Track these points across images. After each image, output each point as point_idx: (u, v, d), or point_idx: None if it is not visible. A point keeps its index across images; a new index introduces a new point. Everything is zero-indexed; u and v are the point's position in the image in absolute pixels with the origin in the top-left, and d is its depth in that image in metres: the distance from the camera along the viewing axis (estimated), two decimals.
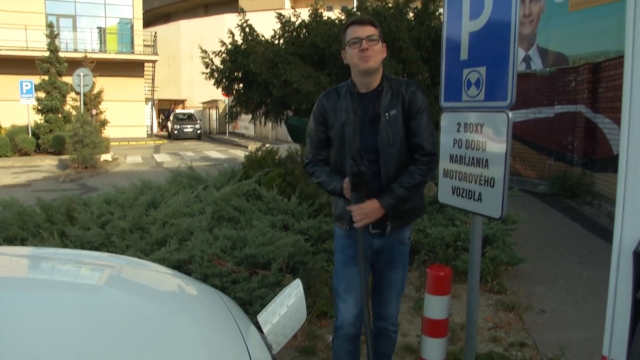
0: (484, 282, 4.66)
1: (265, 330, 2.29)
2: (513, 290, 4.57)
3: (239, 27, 7.37)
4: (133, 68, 27.52)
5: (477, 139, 2.76)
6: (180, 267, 3.55)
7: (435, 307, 2.26)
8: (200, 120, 33.72)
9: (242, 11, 7.55)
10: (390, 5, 6.97)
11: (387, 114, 2.36)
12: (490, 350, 3.44)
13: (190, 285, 2.34)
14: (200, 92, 35.22)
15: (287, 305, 2.27)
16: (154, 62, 29.09)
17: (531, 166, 10.72)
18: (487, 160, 2.70)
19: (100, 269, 2.29)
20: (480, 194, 2.75)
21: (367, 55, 2.29)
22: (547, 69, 10.76)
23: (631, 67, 1.11)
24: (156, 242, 3.93)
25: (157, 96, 34.52)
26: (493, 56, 2.63)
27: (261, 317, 2.38)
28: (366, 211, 2.31)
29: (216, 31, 35.18)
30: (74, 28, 26.33)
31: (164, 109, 38.72)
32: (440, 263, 4.83)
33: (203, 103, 36.76)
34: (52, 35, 19.91)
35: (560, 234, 6.82)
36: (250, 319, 2.25)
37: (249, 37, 7.18)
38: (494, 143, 2.66)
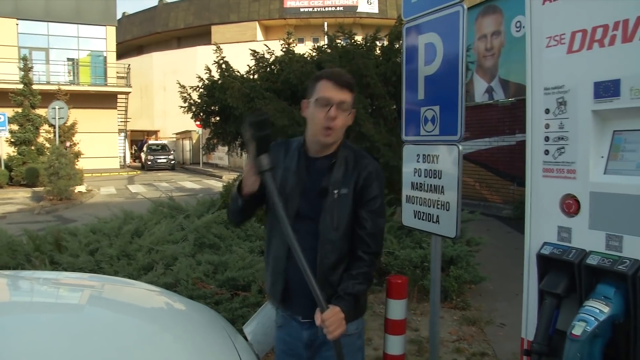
0: (449, 300, 5.02)
1: (249, 339, 2.61)
2: (476, 307, 4.94)
3: (216, 64, 7.76)
4: (106, 100, 27.59)
5: (434, 168, 3.16)
6: (167, 289, 3.81)
7: (395, 309, 2.62)
8: (173, 150, 33.81)
9: (218, 48, 7.95)
10: (359, 42, 7.46)
11: (336, 191, 1.90)
12: (454, 359, 3.78)
13: (182, 301, 2.65)
14: (173, 123, 35.43)
15: (269, 317, 2.59)
16: (127, 93, 29.23)
17: (496, 191, 11.27)
18: (442, 187, 3.09)
19: (101, 287, 2.59)
20: (437, 216, 3.14)
21: (331, 129, 1.87)
22: (509, 99, 11.41)
23: (531, 101, 1.50)
24: (143, 268, 4.19)
25: (130, 127, 34.52)
26: (445, 97, 3.05)
27: (246, 329, 2.70)
28: (340, 317, 1.75)
29: (189, 63, 35.67)
30: (47, 61, 26.38)
31: (137, 139, 38.68)
32: (407, 283, 5.19)
33: (176, 134, 36.91)
34: (27, 69, 20.01)
35: (522, 254, 7.26)
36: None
37: (225, 73, 7.57)
38: (448, 172, 3.06)
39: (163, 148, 32.56)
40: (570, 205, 1.38)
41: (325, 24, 23.80)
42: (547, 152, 1.44)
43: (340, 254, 1.91)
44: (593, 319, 1.22)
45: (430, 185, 3.18)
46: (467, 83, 8.61)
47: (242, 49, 7.92)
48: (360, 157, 1.98)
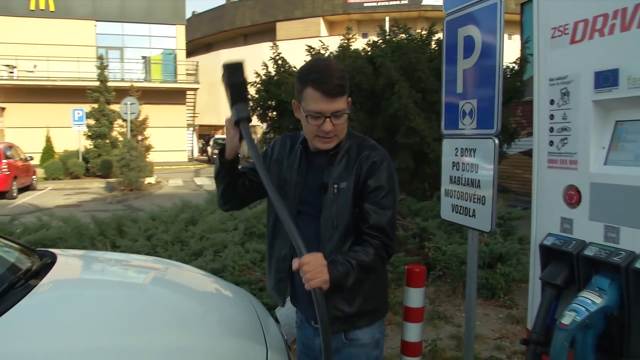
0: (496, 297, 4.94)
1: (280, 322, 2.73)
2: (524, 306, 4.82)
3: (272, 60, 7.95)
4: (176, 96, 28.77)
5: (471, 162, 3.14)
6: (214, 275, 4.01)
7: (414, 297, 2.66)
8: None
9: (274, 45, 8.14)
10: (413, 36, 7.41)
11: (335, 186, 1.73)
12: (491, 355, 3.73)
13: (222, 284, 2.83)
14: None
15: None
16: (195, 89, 30.32)
17: None
18: (479, 180, 3.07)
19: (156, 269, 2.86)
20: (474, 210, 3.12)
21: (329, 138, 1.71)
22: None
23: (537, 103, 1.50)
24: (194, 253, 4.42)
25: (198, 122, 35.78)
26: (482, 91, 3.03)
27: (279, 312, 2.82)
28: (321, 262, 1.53)
29: (255, 59, 36.15)
30: (122, 59, 27.86)
31: (205, 134, 40.01)
32: (453, 278, 5.15)
33: None
34: (102, 67, 21.24)
35: None
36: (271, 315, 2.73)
37: (281, 69, 7.74)
38: (484, 166, 3.03)
39: None
40: (572, 197, 1.37)
41: (387, 18, 23.57)
42: (551, 143, 1.44)
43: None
44: (584, 309, 1.22)
45: (467, 179, 3.17)
46: (529, 78, 8.28)
47: (307, 45, 8.03)
48: (364, 147, 1.77)
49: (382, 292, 1.91)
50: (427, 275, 5.31)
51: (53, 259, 2.65)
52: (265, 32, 41.40)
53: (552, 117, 1.43)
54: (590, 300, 1.23)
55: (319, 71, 1.66)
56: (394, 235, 1.72)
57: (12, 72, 24.75)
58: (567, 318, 1.22)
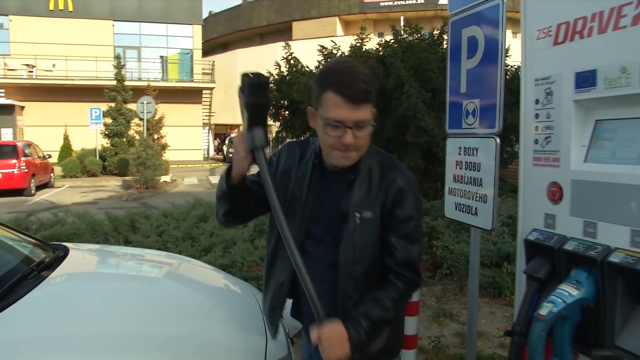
0: (503, 296, 4.96)
1: (284, 316, 2.81)
2: None
3: (285, 59, 8.05)
4: (192, 95, 29.04)
5: (473, 161, 3.18)
6: (223, 270, 4.11)
7: None
8: None
9: (287, 45, 8.23)
10: (425, 37, 7.44)
11: (358, 214, 1.51)
12: (494, 352, 3.77)
13: (228, 279, 2.92)
14: None
15: None
16: (211, 89, 30.59)
17: None
18: (481, 179, 3.11)
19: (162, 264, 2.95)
20: (476, 208, 3.16)
21: (350, 153, 1.48)
22: None
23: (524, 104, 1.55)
24: (204, 249, 4.52)
25: (213, 121, 36.09)
26: (485, 90, 3.07)
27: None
28: (341, 336, 1.40)
29: (270, 59, 36.34)
30: (139, 58, 28.21)
31: (220, 133, 40.32)
32: (460, 277, 5.18)
33: None
34: (119, 66, 21.56)
35: None
36: None
37: (294, 69, 7.83)
38: (486, 164, 3.07)
39: None
40: (555, 193, 1.42)
41: (402, 18, 23.58)
42: (536, 141, 1.49)
43: (365, 291, 1.52)
44: (561, 301, 1.27)
45: (470, 177, 3.21)
46: None
47: (321, 44, 8.10)
48: (388, 168, 1.54)
49: (401, 324, 1.76)
50: (434, 274, 5.39)
51: (65, 252, 2.76)
52: (281, 32, 41.57)
53: (537, 116, 1.48)
54: (568, 292, 1.28)
55: (342, 73, 1.42)
56: (419, 255, 1.53)
57: (31, 72, 25.21)
58: (545, 309, 1.27)
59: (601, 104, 1.30)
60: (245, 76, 1.43)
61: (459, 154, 3.34)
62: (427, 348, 3.85)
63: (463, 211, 3.29)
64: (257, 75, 1.43)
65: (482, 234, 5.78)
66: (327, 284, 1.51)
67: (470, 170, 3.22)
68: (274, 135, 10.03)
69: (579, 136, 1.36)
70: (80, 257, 2.94)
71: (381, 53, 7.28)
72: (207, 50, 36.97)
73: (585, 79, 1.30)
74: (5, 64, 24.80)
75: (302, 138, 8.83)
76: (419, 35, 7.44)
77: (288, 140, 9.64)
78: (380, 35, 32.91)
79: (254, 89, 1.42)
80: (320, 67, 7.90)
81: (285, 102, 8.29)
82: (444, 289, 5.16)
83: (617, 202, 1.23)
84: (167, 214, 5.58)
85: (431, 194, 7.34)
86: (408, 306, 2.78)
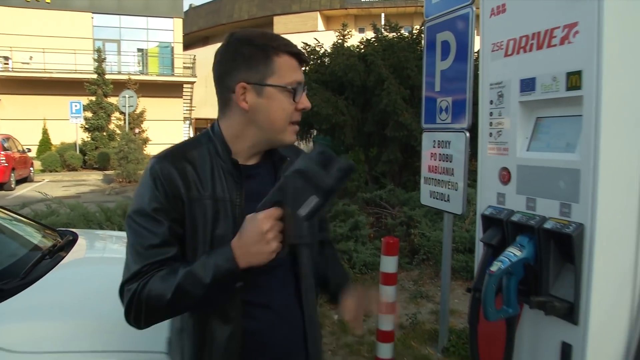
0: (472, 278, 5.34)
1: None
2: None
3: None
4: (173, 89, 29.01)
5: (446, 153, 3.53)
6: None
7: (388, 264, 3.06)
8: None
9: None
10: (405, 35, 7.79)
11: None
12: (465, 327, 4.14)
13: None
14: None
15: None
16: (192, 83, 30.57)
17: None
18: (453, 169, 3.47)
19: None
20: (448, 196, 3.52)
21: (298, 122, 1.36)
22: None
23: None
24: None
25: (194, 115, 36.02)
26: (456, 89, 3.42)
27: None
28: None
29: None
30: (119, 52, 28.07)
31: (201, 127, 40.24)
32: (436, 262, 5.56)
33: None
34: (100, 60, 21.52)
35: None
36: None
37: None
38: (458, 156, 3.43)
39: None
40: (505, 176, 1.76)
41: (383, 15, 23.90)
42: (491, 134, 1.82)
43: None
44: (507, 260, 1.60)
45: (443, 168, 3.56)
46: None
47: (303, 39, 8.38)
48: (296, 154, 1.37)
49: None
50: (412, 259, 5.76)
51: (74, 236, 3.04)
52: (262, 26, 41.58)
53: (491, 114, 1.82)
54: (513, 253, 1.62)
55: (278, 37, 1.30)
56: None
57: (7, 64, 24.91)
58: (495, 267, 1.61)
59: (539, 105, 1.64)
60: (335, 159, 1.16)
61: (434, 147, 3.69)
62: (405, 324, 4.21)
63: (437, 198, 3.65)
64: (348, 162, 1.18)
65: (456, 222, 6.20)
66: (292, 307, 1.36)
67: (443, 161, 3.58)
68: None
69: (523, 130, 1.70)
70: (89, 240, 3.21)
71: (362, 51, 7.62)
72: (188, 44, 36.82)
73: (527, 85, 1.64)
74: None
75: None
76: (398, 34, 7.79)
77: None
78: (362, 30, 33.19)
79: (347, 175, 1.18)
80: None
81: None
82: (421, 273, 5.52)
83: (550, 182, 1.57)
84: None
85: (410, 186, 7.72)
86: (386, 277, 3.11)
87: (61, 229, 3.48)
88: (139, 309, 1.20)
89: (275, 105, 1.28)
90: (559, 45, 1.52)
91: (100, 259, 2.87)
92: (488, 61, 1.83)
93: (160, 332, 1.86)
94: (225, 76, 1.30)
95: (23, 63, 24.97)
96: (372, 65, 6.70)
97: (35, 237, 2.96)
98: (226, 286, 1.19)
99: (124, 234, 4.15)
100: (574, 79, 1.48)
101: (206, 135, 1.35)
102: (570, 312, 1.51)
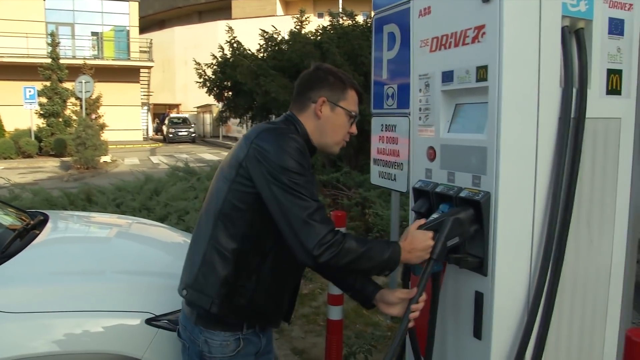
0: None
1: None
2: None
3: (228, 43, 8.47)
4: (129, 74, 28.51)
5: (392, 136, 3.84)
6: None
7: None
8: (194, 124, 34.71)
9: (230, 29, 8.64)
10: (360, 23, 8.07)
11: None
12: None
13: (182, 234, 3.44)
14: (194, 97, 36.19)
15: None
16: (149, 67, 30.10)
17: None
18: (398, 150, 3.78)
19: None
20: (395, 175, 3.84)
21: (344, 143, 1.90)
22: None
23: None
24: (159, 218, 5.00)
25: (152, 100, 35.50)
26: (401, 77, 3.71)
27: None
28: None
29: (210, 38, 36.23)
30: (72, 35, 27.34)
31: (159, 113, 39.71)
32: (389, 239, 5.92)
33: (197, 107, 37.78)
34: (54, 44, 20.96)
35: None
36: None
37: (237, 52, 8.27)
38: (402, 139, 3.74)
39: (184, 121, 33.49)
40: (431, 154, 2.06)
41: (340, 0, 24.14)
42: (420, 118, 2.12)
43: None
44: None
45: (390, 149, 3.87)
46: None
47: (261, 24, 8.56)
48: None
49: None
50: (366, 237, 6.10)
51: (45, 216, 3.21)
52: (220, 10, 41.11)
53: (420, 100, 2.11)
54: (436, 219, 1.93)
55: (351, 77, 1.90)
56: None
57: None
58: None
59: (458, 93, 1.94)
60: (473, 222, 1.80)
61: (381, 130, 3.99)
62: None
63: (385, 178, 3.96)
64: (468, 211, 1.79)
65: (403, 200, 6.57)
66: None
67: (389, 143, 3.88)
68: (215, 114, 10.40)
69: (445, 114, 2.00)
70: (60, 219, 3.39)
71: (319, 38, 7.86)
72: (144, 27, 36.08)
73: (447, 76, 1.94)
74: None
75: (245, 118, 9.30)
76: (354, 21, 8.06)
77: (232, 119, 10.06)
78: (320, 15, 33.23)
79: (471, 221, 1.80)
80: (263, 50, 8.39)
81: (229, 83, 8.73)
82: None
83: (465, 158, 1.88)
84: (121, 188, 5.99)
85: (366, 169, 8.05)
86: None
87: (31, 210, 3.63)
88: (340, 254, 1.58)
89: (340, 122, 1.82)
90: (471, 43, 1.82)
91: (73, 235, 3.06)
92: (416, 56, 2.13)
93: (136, 295, 2.12)
94: (310, 91, 1.81)
95: None
96: (327, 53, 6.96)
97: (6, 218, 3.11)
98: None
99: (90, 213, 4.34)
100: (482, 72, 1.78)
101: (292, 124, 1.79)
102: (481, 265, 1.83)
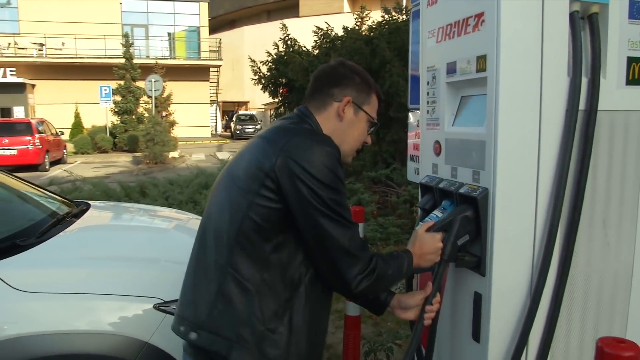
0: None
1: None
2: None
3: (282, 40, 8.58)
4: (199, 72, 29.53)
5: None
6: None
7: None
8: (261, 121, 35.42)
9: (284, 26, 8.75)
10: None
11: None
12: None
13: None
14: (262, 94, 36.81)
15: None
16: (218, 66, 31.03)
17: None
18: None
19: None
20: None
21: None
22: None
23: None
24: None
25: (221, 98, 36.59)
26: None
27: None
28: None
29: (277, 36, 36.78)
30: (147, 36, 28.68)
31: (229, 110, 40.84)
32: None
33: (264, 105, 38.49)
34: (128, 44, 22.11)
35: None
36: None
37: (290, 49, 8.37)
38: None
39: (251, 118, 34.24)
40: (437, 148, 1.99)
41: None
42: (428, 111, 2.06)
43: None
44: (430, 221, 1.86)
45: None
46: None
47: (328, 22, 8.62)
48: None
49: None
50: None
51: (87, 205, 3.40)
52: (288, 8, 41.64)
53: (428, 93, 2.04)
54: (436, 215, 1.86)
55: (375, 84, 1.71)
56: None
57: (41, 50, 25.78)
58: (420, 225, 1.86)
59: (461, 85, 1.86)
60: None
61: (417, 126, 3.90)
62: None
63: (419, 175, 3.87)
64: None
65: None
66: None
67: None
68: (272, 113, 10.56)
69: (450, 107, 1.93)
70: (101, 208, 3.58)
71: (371, 34, 7.80)
72: (214, 28, 37.24)
73: (451, 68, 1.86)
74: (15, 43, 25.37)
75: None
76: (407, 16, 7.91)
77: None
78: (387, 11, 32.95)
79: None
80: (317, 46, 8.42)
81: (284, 80, 8.85)
82: None
83: (467, 152, 1.80)
84: (173, 182, 6.24)
85: None
86: None
87: (78, 200, 3.86)
88: (375, 282, 1.47)
89: (360, 127, 1.63)
90: (472, 32, 1.74)
91: (104, 224, 3.23)
92: (425, 47, 2.06)
93: (149, 281, 2.21)
94: (334, 87, 1.59)
95: (56, 49, 25.81)
96: (377, 49, 6.89)
97: (53, 205, 3.33)
98: (403, 279, 1.77)
99: (131, 204, 4.55)
100: (481, 62, 1.70)
101: (308, 124, 1.56)
102: (479, 265, 1.75)
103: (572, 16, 1.67)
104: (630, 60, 1.78)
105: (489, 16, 1.65)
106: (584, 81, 1.68)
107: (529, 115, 1.66)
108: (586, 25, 1.71)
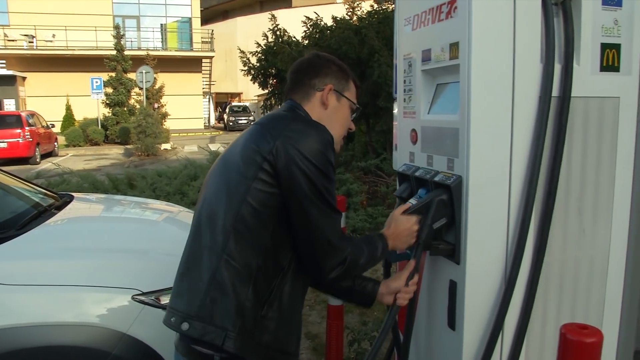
0: None
1: None
2: None
3: (271, 31, 8.52)
4: (192, 64, 29.35)
5: None
6: None
7: None
8: (254, 112, 35.29)
9: (273, 17, 8.70)
10: None
11: None
12: None
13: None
14: (255, 86, 36.70)
15: None
16: (211, 58, 30.85)
17: None
18: None
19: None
20: None
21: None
22: None
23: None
24: (192, 202, 5.14)
25: (215, 90, 36.40)
26: None
27: None
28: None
29: (270, 26, 36.60)
30: (138, 28, 28.46)
31: (221, 102, 40.65)
32: None
33: (258, 96, 38.31)
34: (119, 36, 21.94)
35: None
36: None
37: (279, 39, 8.32)
38: None
39: (244, 110, 34.10)
40: (414, 137, 1.98)
41: None
42: (404, 99, 2.05)
43: None
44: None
45: None
46: None
47: (321, 12, 8.57)
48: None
49: None
50: None
51: (71, 198, 3.38)
52: (281, 0, 41.41)
53: (405, 81, 2.04)
54: (412, 203, 1.86)
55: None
56: None
57: (31, 42, 25.53)
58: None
59: (436, 73, 1.85)
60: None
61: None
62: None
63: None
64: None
65: None
66: None
67: None
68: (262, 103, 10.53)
69: (426, 95, 1.92)
70: (84, 200, 3.56)
71: (361, 24, 7.76)
72: (207, 19, 36.98)
73: (426, 55, 1.85)
74: (5, 35, 25.11)
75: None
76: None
77: (277, 106, 10.14)
78: (379, 1, 32.79)
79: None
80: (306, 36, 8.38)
81: (273, 70, 8.80)
82: None
83: (442, 140, 1.79)
84: (161, 174, 6.22)
85: None
86: None
87: (62, 192, 3.83)
88: (348, 270, 1.51)
89: (344, 113, 1.67)
90: (445, 19, 1.73)
91: (86, 215, 3.21)
92: (401, 35, 2.05)
93: (128, 273, 2.20)
94: (314, 77, 1.62)
95: (46, 41, 25.56)
96: (365, 38, 6.86)
97: (36, 198, 3.31)
98: (378, 262, 1.70)
99: (115, 196, 4.53)
100: (454, 50, 1.68)
101: (302, 112, 1.59)
102: (453, 253, 1.75)
103: (545, 2, 1.66)
104: (604, 47, 1.77)
105: (461, 3, 1.64)
106: (558, 68, 1.67)
107: (501, 103, 1.65)
108: (559, 12, 1.70)
